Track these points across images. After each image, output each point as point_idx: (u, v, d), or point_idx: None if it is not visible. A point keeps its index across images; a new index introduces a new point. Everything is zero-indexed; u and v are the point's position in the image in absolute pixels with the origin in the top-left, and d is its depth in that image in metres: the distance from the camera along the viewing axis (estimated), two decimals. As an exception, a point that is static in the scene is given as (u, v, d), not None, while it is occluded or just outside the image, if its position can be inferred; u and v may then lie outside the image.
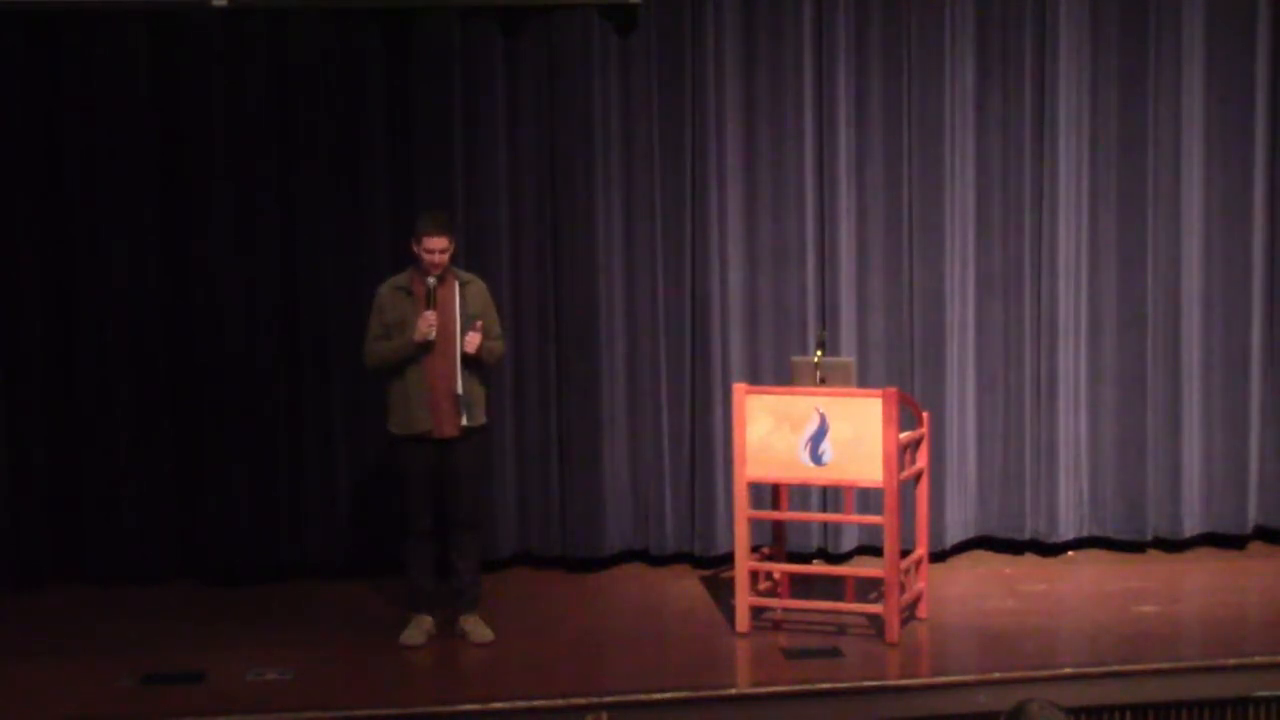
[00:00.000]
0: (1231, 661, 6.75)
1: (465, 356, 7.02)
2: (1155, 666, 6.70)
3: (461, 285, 7.14)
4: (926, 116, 8.49)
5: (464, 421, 7.06)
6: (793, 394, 7.16)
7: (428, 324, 6.96)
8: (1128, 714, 6.55)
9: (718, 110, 8.41)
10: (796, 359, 7.52)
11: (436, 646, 7.19)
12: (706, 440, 8.46)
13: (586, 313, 8.41)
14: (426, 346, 7.00)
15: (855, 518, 7.73)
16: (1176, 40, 8.54)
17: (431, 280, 7.02)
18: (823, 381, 7.22)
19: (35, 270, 8.14)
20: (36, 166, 8.12)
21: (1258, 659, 6.75)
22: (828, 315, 8.48)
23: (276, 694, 6.53)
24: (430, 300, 7.00)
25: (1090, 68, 8.55)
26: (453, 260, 7.21)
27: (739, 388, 7.21)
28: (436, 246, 7.02)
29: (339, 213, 8.28)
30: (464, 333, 7.02)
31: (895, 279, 8.52)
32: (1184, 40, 8.54)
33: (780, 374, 8.02)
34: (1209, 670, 6.70)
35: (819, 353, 7.34)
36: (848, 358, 7.90)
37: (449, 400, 7.04)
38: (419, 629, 7.19)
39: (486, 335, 7.10)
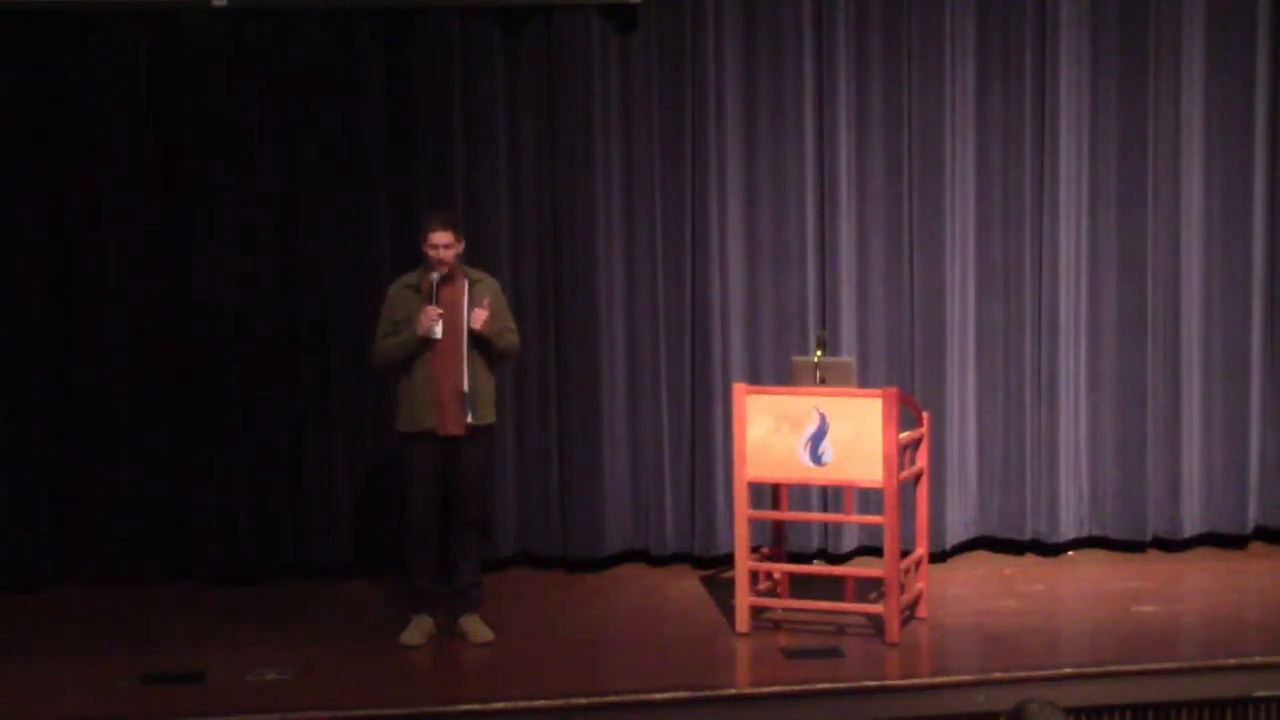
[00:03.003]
0: (1231, 661, 6.74)
1: (473, 353, 7.01)
2: (1155, 666, 6.70)
3: (471, 284, 7.13)
4: (926, 116, 8.49)
5: (469, 420, 7.05)
6: (793, 394, 7.16)
7: (428, 319, 6.95)
8: (1128, 714, 6.55)
9: (718, 111, 8.41)
10: (796, 359, 7.52)
11: (437, 646, 7.18)
12: (706, 440, 8.46)
13: (586, 312, 8.41)
14: (431, 343, 6.99)
15: (855, 518, 7.72)
16: (1176, 40, 8.54)
17: (434, 275, 7.02)
18: (823, 381, 7.22)
19: (35, 270, 8.14)
20: (36, 167, 8.11)
21: (1258, 659, 6.75)
22: (828, 315, 8.48)
23: (276, 694, 6.53)
24: (433, 296, 7.00)
25: (1090, 68, 8.56)
26: (459, 259, 7.21)
27: (739, 388, 7.21)
28: (440, 241, 7.02)
29: (339, 213, 8.28)
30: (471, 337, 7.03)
31: (895, 279, 8.52)
32: (1184, 40, 8.55)
33: (780, 374, 8.02)
34: (1209, 670, 6.69)
35: (819, 353, 7.34)
36: (848, 358, 7.91)
37: (455, 398, 7.04)
38: (419, 629, 7.19)
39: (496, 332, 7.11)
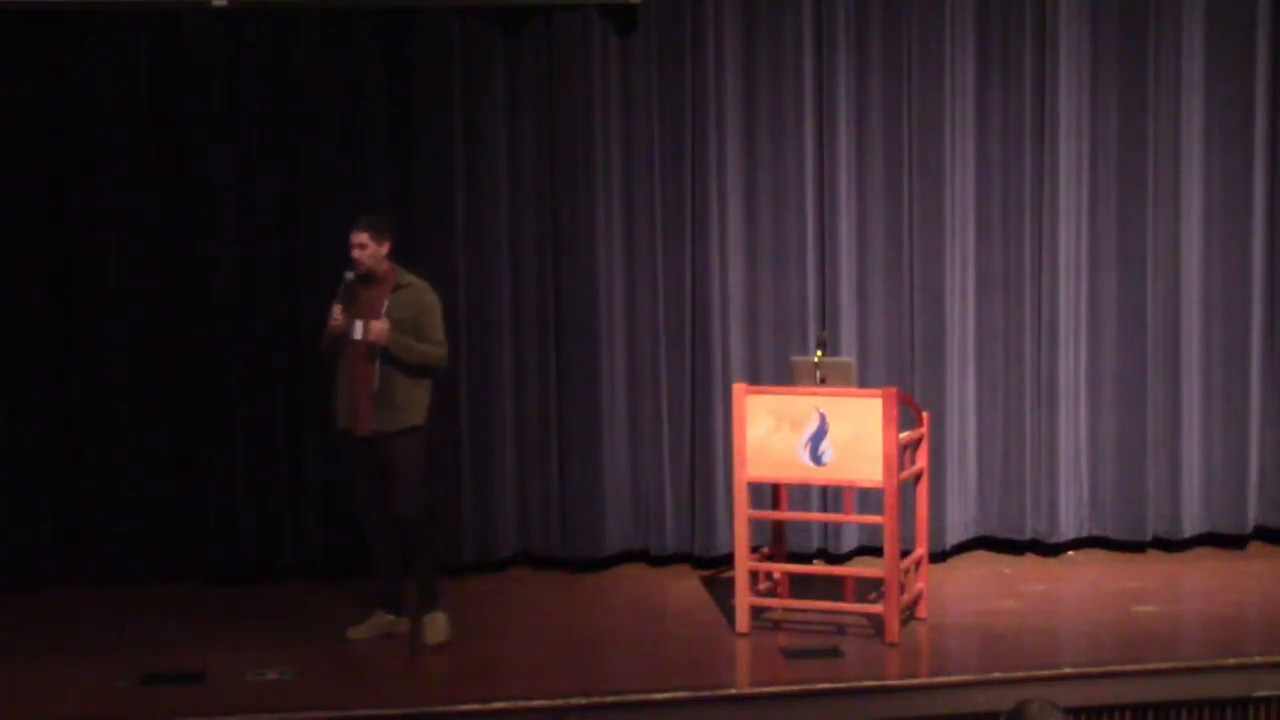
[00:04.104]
0: (1231, 661, 6.75)
1: (388, 357, 6.96)
2: (1155, 666, 6.70)
3: (396, 288, 7.08)
4: (926, 116, 8.49)
5: (374, 424, 7.00)
6: (793, 394, 7.16)
7: (333, 319, 6.98)
8: (1128, 714, 6.55)
9: (718, 110, 8.41)
10: (796, 359, 7.52)
11: (435, 647, 7.18)
12: (706, 440, 8.46)
13: (586, 313, 8.41)
14: (352, 342, 6.98)
15: (855, 518, 7.72)
16: (1176, 40, 8.55)
17: (349, 275, 7.04)
18: (823, 381, 7.22)
19: (35, 270, 8.14)
20: (36, 166, 8.11)
21: (1258, 659, 6.75)
22: (828, 315, 8.48)
23: (276, 694, 6.53)
24: (343, 296, 7.03)
25: (1090, 68, 8.56)
26: (396, 258, 7.14)
27: (739, 388, 7.21)
28: (354, 241, 7.04)
29: (339, 212, 8.26)
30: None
31: (895, 279, 8.52)
32: (1184, 40, 8.55)
33: (780, 374, 8.02)
34: (1209, 670, 6.70)
35: (819, 353, 7.34)
36: (848, 358, 7.90)
37: (366, 399, 7.01)
38: (364, 625, 7.23)
39: (418, 337, 7.02)
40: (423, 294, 7.15)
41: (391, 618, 7.25)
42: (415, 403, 7.09)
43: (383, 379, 6.99)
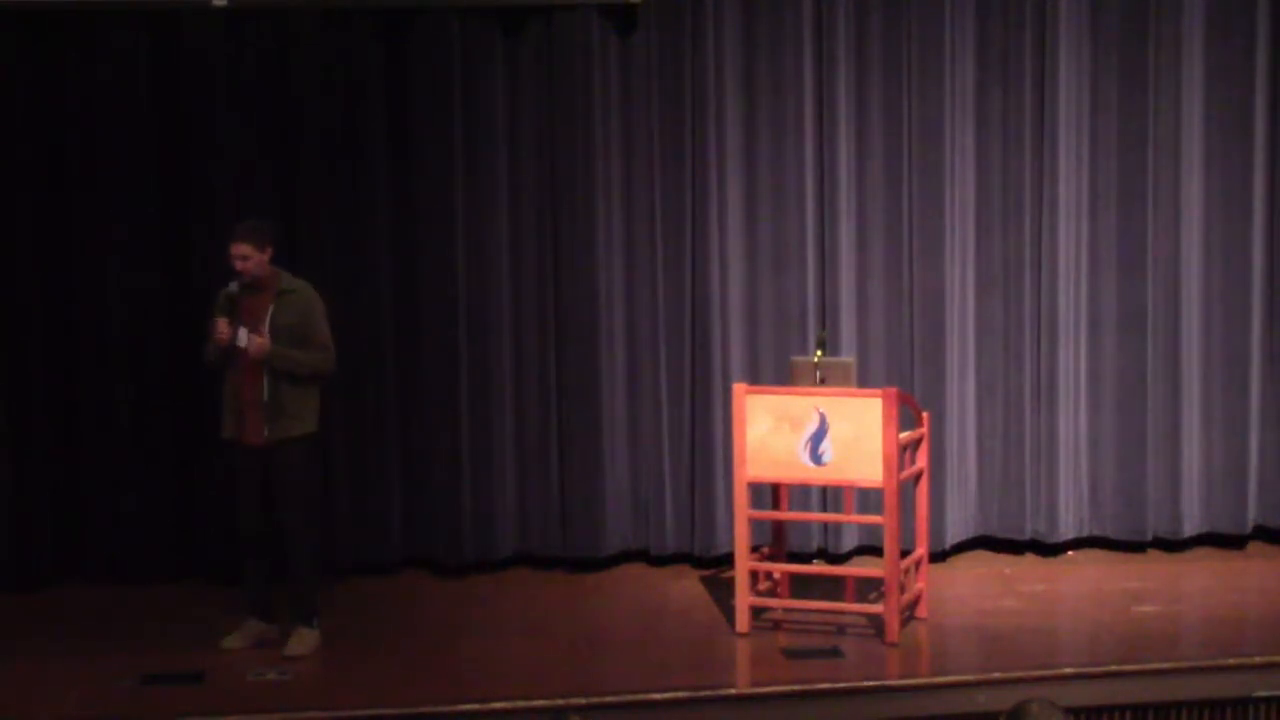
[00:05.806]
0: (1231, 661, 6.75)
1: (273, 365, 6.92)
2: (1155, 666, 6.71)
3: (280, 294, 7.01)
4: (926, 116, 8.49)
5: (266, 432, 6.93)
6: (793, 394, 7.16)
7: (219, 332, 6.90)
8: (1128, 714, 6.55)
9: (718, 110, 8.41)
10: (796, 359, 7.52)
11: (435, 648, 7.18)
12: (706, 440, 8.46)
13: (586, 313, 8.41)
14: (239, 351, 6.90)
15: (855, 518, 7.72)
16: (1176, 40, 8.55)
17: (233, 285, 6.97)
18: (823, 381, 7.22)
19: (35, 270, 8.14)
20: (36, 166, 8.11)
21: (1258, 659, 6.75)
22: (828, 315, 8.48)
23: (276, 694, 6.54)
24: (225, 307, 6.97)
25: (1090, 67, 8.56)
26: (273, 266, 7.09)
27: (739, 388, 7.21)
28: (235, 253, 6.95)
29: (339, 213, 8.28)
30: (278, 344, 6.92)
31: (895, 279, 8.52)
32: (1184, 40, 8.55)
33: (780, 374, 8.02)
34: (1209, 670, 6.70)
35: (819, 353, 7.34)
36: (848, 358, 7.90)
37: (254, 408, 6.94)
38: (238, 634, 7.13)
39: (303, 344, 6.95)
40: (307, 299, 7.06)
41: (264, 625, 7.16)
42: (306, 409, 7.01)
43: (271, 387, 6.92)
